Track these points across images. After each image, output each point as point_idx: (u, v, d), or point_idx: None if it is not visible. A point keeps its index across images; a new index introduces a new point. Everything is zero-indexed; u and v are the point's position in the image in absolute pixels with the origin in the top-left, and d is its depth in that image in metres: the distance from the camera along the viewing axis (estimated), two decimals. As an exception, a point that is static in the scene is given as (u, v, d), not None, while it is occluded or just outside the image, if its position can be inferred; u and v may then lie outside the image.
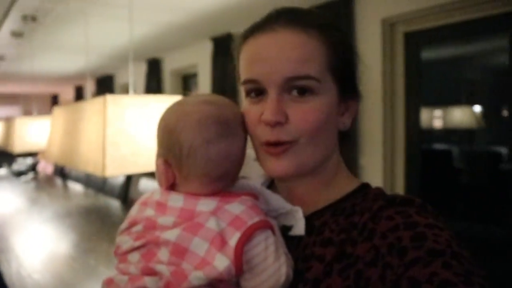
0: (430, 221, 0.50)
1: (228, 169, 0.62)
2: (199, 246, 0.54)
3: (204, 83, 4.42)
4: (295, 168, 0.59)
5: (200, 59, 4.47)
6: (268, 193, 0.65)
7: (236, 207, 0.58)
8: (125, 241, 0.62)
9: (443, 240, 0.47)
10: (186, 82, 5.23)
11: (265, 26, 0.60)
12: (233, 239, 0.54)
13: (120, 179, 3.87)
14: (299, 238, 0.62)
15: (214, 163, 0.60)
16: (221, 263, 0.53)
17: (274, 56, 0.57)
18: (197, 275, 0.53)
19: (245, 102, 0.64)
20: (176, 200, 0.60)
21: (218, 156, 0.60)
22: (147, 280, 0.56)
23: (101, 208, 3.28)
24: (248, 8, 3.20)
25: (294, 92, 0.58)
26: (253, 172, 0.73)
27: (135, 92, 5.73)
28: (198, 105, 0.62)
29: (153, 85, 5.22)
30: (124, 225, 0.65)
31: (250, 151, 0.66)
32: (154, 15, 3.30)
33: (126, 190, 3.78)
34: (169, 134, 0.61)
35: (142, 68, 5.39)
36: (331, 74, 0.60)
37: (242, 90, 0.64)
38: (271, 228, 0.58)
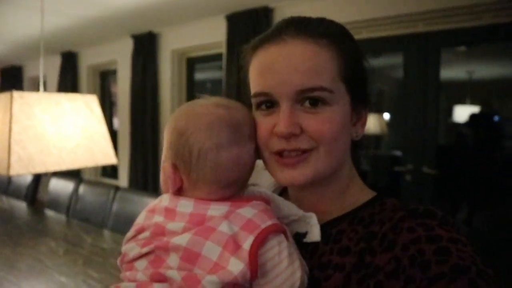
0: (453, 235, 0.49)
1: (238, 175, 0.60)
2: (212, 250, 0.52)
3: (124, 81, 4.29)
4: (311, 177, 0.58)
5: (120, 56, 4.33)
6: (279, 200, 0.63)
7: (248, 211, 0.56)
8: (131, 248, 0.60)
9: (467, 256, 0.45)
10: (104, 79, 5.01)
11: (275, 36, 0.58)
12: (246, 243, 0.53)
13: (28, 179, 3.60)
14: (314, 245, 0.60)
15: (224, 169, 0.58)
16: (236, 266, 0.51)
17: (285, 68, 0.55)
18: (210, 280, 0.51)
19: (255, 115, 0.62)
20: (186, 206, 0.58)
21: (228, 162, 0.58)
22: (156, 286, 0.54)
23: (4, 211, 3.02)
24: (169, 8, 3.20)
25: (307, 103, 0.56)
26: (263, 180, 0.71)
27: (48, 87, 5.35)
28: (209, 107, 0.60)
29: (68, 80, 4.92)
30: (130, 233, 0.62)
31: (259, 159, 0.64)
32: (70, 7, 3.14)
33: (34, 191, 3.54)
34: (178, 136, 0.59)
35: (56, 62, 5.05)
36: (344, 84, 0.58)
37: (252, 103, 0.62)
38: (284, 232, 0.56)
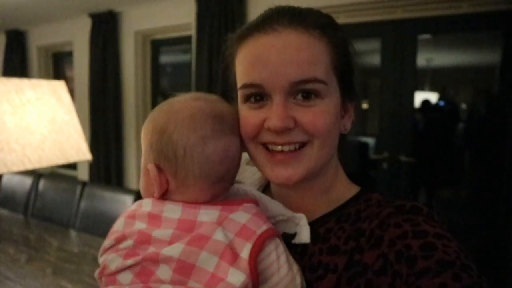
0: (439, 230, 0.50)
1: (228, 169, 0.57)
2: (207, 261, 0.49)
3: (81, 65, 3.97)
4: (304, 175, 0.56)
5: (76, 37, 4.00)
6: (267, 199, 0.62)
7: (242, 216, 0.53)
8: (112, 259, 0.54)
9: (452, 251, 0.47)
10: (58, 62, 4.62)
11: (266, 26, 0.55)
12: (244, 251, 0.50)
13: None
14: (303, 246, 0.59)
15: (213, 162, 0.55)
16: (237, 278, 0.48)
17: (279, 59, 0.53)
18: None
19: (242, 108, 0.59)
20: (173, 211, 0.54)
21: (217, 154, 0.55)
22: None
23: None
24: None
25: (299, 96, 0.55)
26: (246, 176, 0.70)
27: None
28: (187, 101, 0.58)
29: (15, 62, 4.48)
30: (108, 242, 0.57)
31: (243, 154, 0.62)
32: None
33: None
34: (159, 135, 0.56)
35: (1, 41, 4.58)
36: (335, 76, 0.57)
37: (239, 95, 0.59)
38: (278, 236, 0.55)
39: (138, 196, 2.12)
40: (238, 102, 0.60)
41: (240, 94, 0.59)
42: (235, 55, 0.60)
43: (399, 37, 2.60)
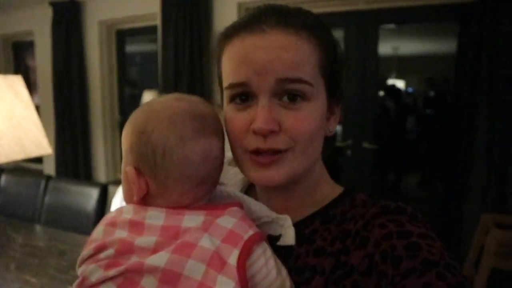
0: (423, 230, 0.50)
1: (209, 170, 0.56)
2: (195, 269, 0.47)
3: (43, 55, 3.85)
4: (286, 177, 0.56)
5: (37, 27, 3.88)
6: (250, 201, 0.60)
7: (228, 221, 0.52)
8: (92, 270, 0.51)
9: (436, 251, 0.47)
10: (19, 51, 4.47)
11: (253, 26, 0.55)
12: (232, 258, 0.48)
13: None
14: (288, 248, 0.58)
15: (193, 163, 0.53)
16: (226, 286, 0.47)
17: (266, 58, 0.52)
18: None
19: (227, 109, 0.58)
20: (156, 217, 0.52)
21: (197, 155, 0.53)
22: None
23: None
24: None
25: (285, 98, 0.54)
26: (228, 177, 0.69)
27: None
28: (169, 102, 0.56)
29: (-28, 52, 4.30)
30: (87, 251, 0.53)
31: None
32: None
33: None
34: (138, 136, 0.54)
35: (-45, 31, 4.36)
36: (322, 78, 0.56)
37: (225, 95, 0.58)
38: (266, 240, 0.54)
39: (103, 189, 2.13)
40: (224, 103, 0.60)
41: (226, 94, 0.58)
42: (221, 54, 0.59)
43: (362, 27, 2.68)
